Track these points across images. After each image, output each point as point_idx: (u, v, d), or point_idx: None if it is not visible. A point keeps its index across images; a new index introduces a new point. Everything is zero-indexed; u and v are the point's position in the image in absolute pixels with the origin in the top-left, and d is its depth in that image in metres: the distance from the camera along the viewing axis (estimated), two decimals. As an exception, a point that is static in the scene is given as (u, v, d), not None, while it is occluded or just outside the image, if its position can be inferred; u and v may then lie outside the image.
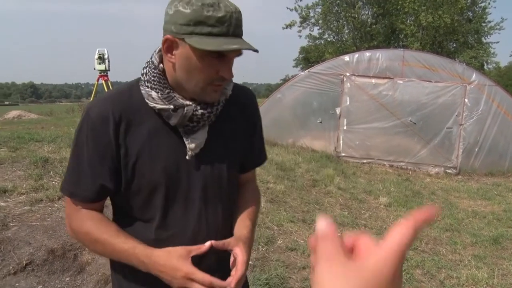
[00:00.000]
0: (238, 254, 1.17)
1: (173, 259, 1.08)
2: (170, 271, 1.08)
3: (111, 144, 1.13)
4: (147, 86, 1.15)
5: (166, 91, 1.13)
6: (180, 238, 1.19)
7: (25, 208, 3.88)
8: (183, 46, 1.07)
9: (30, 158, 5.17)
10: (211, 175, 1.23)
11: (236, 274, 1.14)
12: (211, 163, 1.22)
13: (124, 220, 1.23)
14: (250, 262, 3.58)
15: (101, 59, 6.44)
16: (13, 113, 26.69)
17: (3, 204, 3.94)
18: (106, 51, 6.49)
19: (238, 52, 1.11)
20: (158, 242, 1.16)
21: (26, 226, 3.54)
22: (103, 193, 1.19)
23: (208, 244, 1.13)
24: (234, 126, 1.29)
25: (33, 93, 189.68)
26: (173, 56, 1.10)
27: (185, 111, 1.13)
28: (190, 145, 1.17)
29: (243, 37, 1.11)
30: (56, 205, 4.03)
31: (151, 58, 1.18)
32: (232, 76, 1.13)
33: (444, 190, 7.92)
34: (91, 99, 7.43)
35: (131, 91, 1.18)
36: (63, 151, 6.17)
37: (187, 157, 1.17)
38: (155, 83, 1.14)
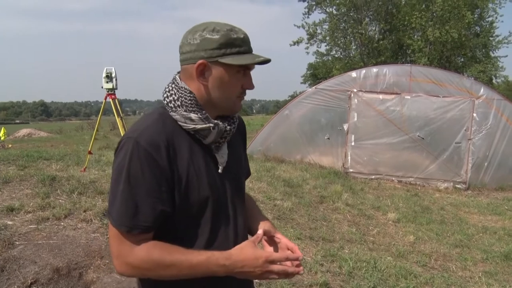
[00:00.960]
0: (283, 238, 1.40)
1: (249, 251, 1.19)
2: (252, 262, 1.17)
3: (166, 169, 1.19)
4: (184, 110, 1.25)
5: (203, 111, 1.26)
6: (225, 248, 1.25)
7: (31, 226, 3.89)
8: (215, 68, 1.23)
9: (38, 176, 5.20)
10: (235, 186, 1.38)
11: (294, 247, 1.36)
12: (233, 176, 1.38)
13: (172, 242, 1.22)
14: (256, 281, 3.54)
15: (109, 77, 6.48)
16: (24, 131, 27.07)
17: (10, 222, 3.96)
18: (113, 70, 6.54)
19: (254, 66, 1.29)
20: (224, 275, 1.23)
21: (32, 244, 3.55)
22: (161, 219, 1.22)
23: (261, 231, 1.33)
24: (237, 142, 1.46)
25: (43, 112, 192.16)
26: (205, 79, 1.24)
27: (220, 128, 1.27)
28: (221, 159, 1.32)
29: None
30: (62, 224, 4.04)
31: (176, 84, 1.28)
32: (253, 86, 1.32)
33: (453, 206, 7.82)
34: (99, 117, 7.50)
35: (162, 118, 1.26)
36: (70, 169, 6.21)
37: (219, 171, 1.31)
38: (193, 106, 1.25)
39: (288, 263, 1.26)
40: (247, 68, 1.27)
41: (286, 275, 1.23)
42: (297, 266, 1.27)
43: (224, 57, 1.21)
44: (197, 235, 1.27)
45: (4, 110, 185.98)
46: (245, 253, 1.18)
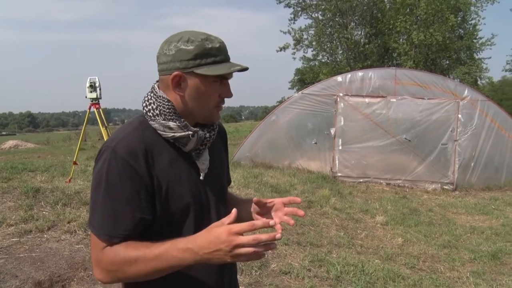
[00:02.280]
0: (273, 199, 1.40)
1: (212, 231, 1.08)
2: (215, 240, 1.06)
3: (144, 177, 1.18)
4: (162, 119, 1.25)
5: (182, 119, 1.26)
6: None
7: (13, 239, 3.83)
8: (191, 79, 1.22)
9: (21, 188, 5.13)
10: (218, 192, 1.39)
11: (291, 199, 1.37)
12: (216, 182, 1.39)
13: None
14: (242, 287, 3.51)
15: (93, 87, 6.44)
16: (10, 143, 26.71)
17: (-9, 236, 3.89)
18: (97, 79, 6.50)
19: (232, 75, 1.28)
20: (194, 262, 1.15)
21: (14, 258, 3.48)
22: (141, 227, 1.20)
23: (234, 210, 1.12)
24: (219, 149, 1.48)
25: (30, 123, 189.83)
26: (181, 90, 1.24)
27: (199, 135, 1.27)
28: (202, 166, 1.32)
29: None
30: (45, 236, 3.98)
31: (155, 94, 1.28)
32: (231, 95, 1.31)
33: (441, 207, 7.87)
34: (83, 127, 7.43)
35: (142, 126, 1.27)
36: (55, 180, 6.14)
37: (201, 178, 1.31)
38: (171, 114, 1.25)
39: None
40: (224, 77, 1.26)
41: (261, 247, 1.07)
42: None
43: (199, 67, 1.21)
44: None
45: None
46: (209, 233, 1.08)
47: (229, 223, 1.08)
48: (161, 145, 1.25)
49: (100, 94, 6.56)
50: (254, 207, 1.41)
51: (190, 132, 1.25)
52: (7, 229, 4.06)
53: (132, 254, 1.14)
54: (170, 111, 1.25)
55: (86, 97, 6.52)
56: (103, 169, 1.18)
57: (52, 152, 17.01)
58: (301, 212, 1.35)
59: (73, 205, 4.83)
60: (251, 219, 1.41)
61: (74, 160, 6.86)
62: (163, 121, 1.25)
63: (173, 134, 1.25)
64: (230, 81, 1.31)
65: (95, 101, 6.57)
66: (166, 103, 1.26)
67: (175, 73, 1.21)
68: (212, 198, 1.35)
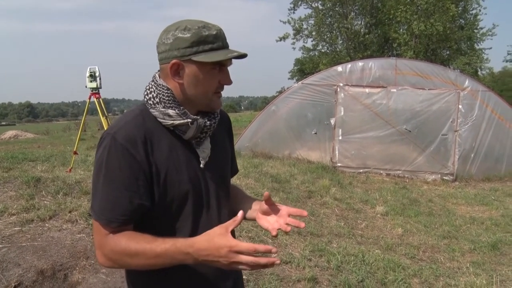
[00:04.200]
0: (282, 206, 1.39)
1: (214, 239, 1.11)
2: (215, 252, 1.10)
3: (143, 163, 1.21)
4: (162, 107, 1.27)
5: (181, 107, 1.27)
6: None
7: (15, 229, 3.83)
8: (189, 66, 1.24)
9: (22, 178, 5.12)
10: (219, 181, 1.39)
11: (297, 211, 1.37)
12: (217, 170, 1.39)
13: (154, 234, 1.24)
14: (244, 277, 3.52)
15: (93, 76, 6.40)
16: (10, 133, 26.70)
17: (-7, 225, 3.90)
18: (97, 69, 6.47)
19: (231, 61, 1.29)
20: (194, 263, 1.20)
21: (16, 247, 3.49)
22: (139, 213, 1.23)
23: (241, 213, 1.17)
24: (222, 137, 1.48)
25: (30, 113, 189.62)
26: (180, 78, 1.26)
27: (199, 123, 1.28)
28: (202, 154, 1.33)
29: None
30: (47, 225, 3.98)
31: (155, 82, 1.30)
32: (231, 82, 1.31)
33: (441, 197, 7.89)
34: (83, 117, 7.42)
35: (142, 114, 1.29)
36: (56, 170, 6.14)
37: (201, 166, 1.32)
38: (170, 102, 1.27)
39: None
40: (222, 64, 1.26)
41: (259, 266, 1.12)
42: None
43: (197, 55, 1.22)
44: (179, 228, 1.29)
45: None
46: (210, 241, 1.11)
47: (233, 228, 1.14)
48: (161, 132, 1.27)
49: (100, 84, 6.54)
50: (261, 206, 1.40)
51: (189, 120, 1.26)
52: (9, 218, 4.06)
53: (133, 247, 1.17)
54: (170, 99, 1.27)
55: (86, 86, 6.50)
56: (103, 156, 1.21)
57: (52, 142, 16.99)
58: (302, 225, 1.37)
59: (74, 195, 4.83)
60: (254, 217, 1.45)
61: (75, 150, 6.85)
62: (163, 109, 1.26)
63: (172, 121, 1.26)
64: (230, 70, 1.32)
65: (95, 91, 6.55)
66: (166, 91, 1.27)
67: (173, 61, 1.23)
68: (212, 187, 1.36)
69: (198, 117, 1.29)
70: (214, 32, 1.24)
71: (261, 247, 1.10)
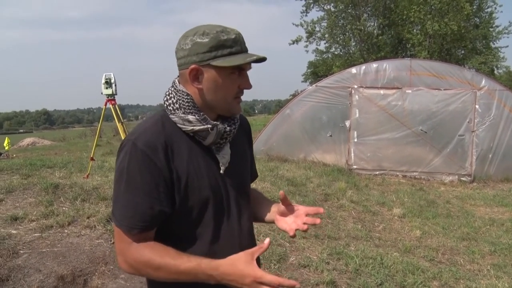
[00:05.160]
0: (299, 206, 1.42)
1: (239, 267, 1.12)
2: (239, 279, 1.12)
3: (164, 170, 1.20)
4: (182, 112, 1.26)
5: (201, 113, 1.26)
6: (229, 248, 1.27)
7: (35, 235, 3.89)
8: (208, 71, 1.23)
9: (41, 184, 5.20)
10: (239, 186, 1.38)
11: (315, 209, 1.40)
12: (237, 176, 1.37)
13: (174, 241, 1.26)
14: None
15: (108, 83, 6.48)
16: (27, 141, 27.13)
17: (14, 231, 3.96)
18: (112, 76, 6.54)
19: (250, 66, 1.27)
20: (211, 256, 1.20)
21: (36, 253, 3.54)
22: (160, 219, 1.23)
23: (267, 240, 1.17)
24: (242, 142, 1.47)
25: (46, 120, 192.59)
26: (200, 83, 1.25)
27: (219, 129, 1.27)
28: (222, 160, 1.31)
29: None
30: (66, 231, 4.03)
31: (175, 88, 1.30)
32: (251, 86, 1.30)
33: (459, 199, 7.78)
34: (99, 123, 7.50)
35: (162, 120, 1.28)
36: (73, 176, 6.21)
37: (221, 171, 1.31)
38: (190, 108, 1.26)
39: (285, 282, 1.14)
40: (241, 68, 1.25)
41: None
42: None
43: (216, 59, 1.21)
44: (200, 235, 1.28)
45: (8, 120, 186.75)
46: (235, 268, 1.12)
47: (258, 255, 1.16)
48: (181, 138, 1.26)
49: (116, 90, 6.60)
50: (279, 207, 1.42)
51: (209, 126, 1.25)
52: (29, 225, 4.12)
53: (157, 260, 1.18)
54: (189, 104, 1.26)
55: (101, 93, 6.57)
56: (124, 162, 1.21)
57: (69, 148, 17.22)
58: (317, 221, 1.38)
59: (92, 201, 4.88)
60: (272, 219, 1.48)
61: (91, 156, 6.92)
62: (183, 115, 1.26)
63: (192, 127, 1.25)
64: (248, 73, 1.31)
65: (111, 97, 6.62)
66: (185, 97, 1.27)
67: (192, 66, 1.22)
68: (232, 193, 1.35)
69: (218, 123, 1.28)
70: (233, 36, 1.22)
71: (285, 281, 1.11)
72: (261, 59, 1.25)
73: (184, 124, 1.26)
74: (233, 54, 1.22)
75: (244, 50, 1.25)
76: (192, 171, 1.25)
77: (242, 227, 1.37)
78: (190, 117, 1.25)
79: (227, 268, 1.13)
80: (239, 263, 1.13)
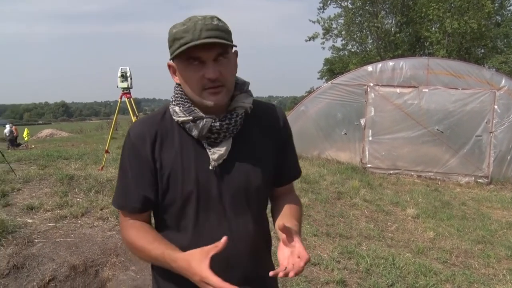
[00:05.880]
0: (297, 242, 1.19)
1: (191, 264, 1.12)
2: (190, 275, 1.13)
3: (148, 159, 1.26)
4: (173, 104, 1.29)
5: (187, 105, 1.27)
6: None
7: (50, 224, 3.95)
8: (177, 65, 1.25)
9: (57, 175, 5.28)
10: (238, 185, 1.30)
11: (303, 257, 1.15)
12: (238, 174, 1.30)
13: (163, 229, 1.34)
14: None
15: (124, 77, 6.53)
16: (46, 132, 27.59)
17: (30, 220, 4.03)
18: (128, 69, 6.59)
19: (214, 53, 1.18)
20: (194, 249, 1.18)
21: (50, 242, 3.59)
22: (147, 204, 1.30)
23: (224, 239, 1.12)
24: (262, 140, 1.36)
25: (64, 112, 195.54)
26: (177, 78, 1.29)
27: (204, 123, 1.23)
28: (213, 156, 1.27)
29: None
30: (79, 222, 4.08)
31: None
32: (214, 75, 1.19)
33: (475, 200, 7.66)
34: (115, 116, 7.58)
35: (165, 111, 1.32)
36: (88, 168, 6.29)
37: (210, 167, 1.27)
38: (178, 99, 1.29)
39: None
40: (193, 58, 1.18)
41: None
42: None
43: (175, 53, 1.18)
44: (184, 228, 1.30)
45: (28, 112, 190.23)
46: (188, 263, 1.12)
47: (214, 253, 1.10)
48: (176, 130, 1.29)
49: (131, 84, 6.65)
50: (281, 234, 1.24)
51: (190, 118, 1.24)
52: (44, 214, 4.19)
53: (137, 243, 1.27)
54: (178, 96, 1.30)
55: (117, 86, 6.63)
56: (122, 149, 1.33)
57: (85, 140, 17.43)
58: (291, 274, 1.14)
59: (105, 193, 4.94)
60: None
61: (106, 148, 7.00)
62: (173, 105, 1.29)
63: (178, 118, 1.27)
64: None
65: (126, 91, 6.67)
66: (176, 88, 1.31)
67: (168, 62, 1.29)
68: (227, 192, 1.29)
69: (204, 116, 1.24)
70: (183, 27, 1.18)
71: (228, 286, 1.06)
72: (206, 43, 1.15)
73: (173, 115, 1.28)
74: (183, 44, 1.16)
75: (197, 37, 1.15)
76: (178, 164, 1.26)
77: (233, 228, 1.30)
78: (177, 108, 1.28)
79: (182, 262, 1.14)
80: (192, 260, 1.12)
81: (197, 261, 1.11)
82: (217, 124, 1.24)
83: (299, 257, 1.17)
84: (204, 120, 1.24)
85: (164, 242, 1.24)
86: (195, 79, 1.21)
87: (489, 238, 5.53)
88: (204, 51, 1.18)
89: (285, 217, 1.36)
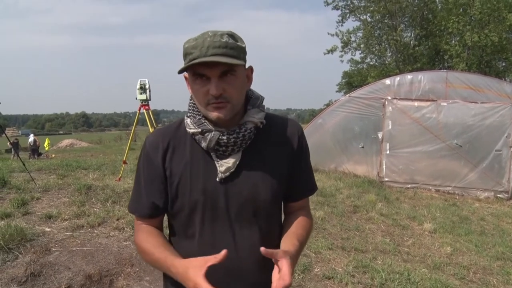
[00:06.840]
0: (284, 265, 1.13)
1: (188, 270, 1.14)
2: (186, 282, 1.14)
3: (160, 167, 1.32)
4: (187, 115, 1.34)
5: (198, 117, 1.30)
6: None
7: (67, 233, 4.02)
8: (188, 79, 1.28)
9: (75, 185, 5.38)
10: (246, 198, 1.31)
11: (279, 283, 1.10)
12: (246, 187, 1.31)
13: (174, 235, 1.40)
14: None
15: (143, 89, 6.65)
16: (66, 142, 28.10)
17: (47, 229, 4.11)
18: (147, 81, 6.71)
19: (218, 71, 1.18)
20: (199, 256, 1.19)
21: (67, 251, 3.66)
22: (156, 210, 1.36)
23: (224, 252, 1.12)
24: (273, 154, 1.36)
25: (84, 122, 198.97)
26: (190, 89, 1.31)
27: (212, 135, 1.26)
28: (220, 168, 1.29)
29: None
30: (96, 231, 4.15)
31: None
32: (217, 92, 1.19)
33: (494, 216, 7.51)
34: (133, 127, 7.70)
35: (181, 122, 1.37)
36: (106, 179, 6.39)
37: (217, 179, 1.29)
38: (191, 111, 1.33)
39: None
40: (198, 74, 1.21)
41: None
42: None
43: (182, 68, 1.22)
44: (190, 235, 1.34)
45: (49, 122, 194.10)
46: (185, 270, 1.15)
47: (212, 264, 1.11)
48: (188, 141, 1.33)
49: (150, 96, 6.76)
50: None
51: (198, 130, 1.28)
52: (61, 223, 4.27)
53: (146, 246, 1.31)
54: (190, 108, 1.34)
55: (136, 98, 6.74)
56: (139, 157, 1.40)
57: (104, 151, 17.69)
58: None
59: (122, 203, 5.01)
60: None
61: (124, 159, 7.10)
62: (186, 117, 1.34)
63: (189, 130, 1.31)
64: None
65: (145, 103, 6.78)
66: (190, 100, 1.35)
67: (183, 75, 1.30)
68: (234, 204, 1.30)
69: (213, 129, 1.27)
70: (193, 43, 1.20)
71: None
72: (211, 62, 1.16)
73: (186, 126, 1.33)
74: (192, 60, 1.18)
75: (204, 54, 1.17)
76: (187, 173, 1.30)
77: (238, 240, 1.31)
78: (188, 120, 1.32)
79: (180, 268, 1.17)
80: (190, 267, 1.14)
81: (194, 268, 1.13)
82: (225, 137, 1.27)
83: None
84: (212, 133, 1.27)
85: (169, 248, 1.30)
86: (201, 93, 1.23)
87: (509, 255, 5.40)
88: (208, 69, 1.19)
89: (287, 236, 1.36)
